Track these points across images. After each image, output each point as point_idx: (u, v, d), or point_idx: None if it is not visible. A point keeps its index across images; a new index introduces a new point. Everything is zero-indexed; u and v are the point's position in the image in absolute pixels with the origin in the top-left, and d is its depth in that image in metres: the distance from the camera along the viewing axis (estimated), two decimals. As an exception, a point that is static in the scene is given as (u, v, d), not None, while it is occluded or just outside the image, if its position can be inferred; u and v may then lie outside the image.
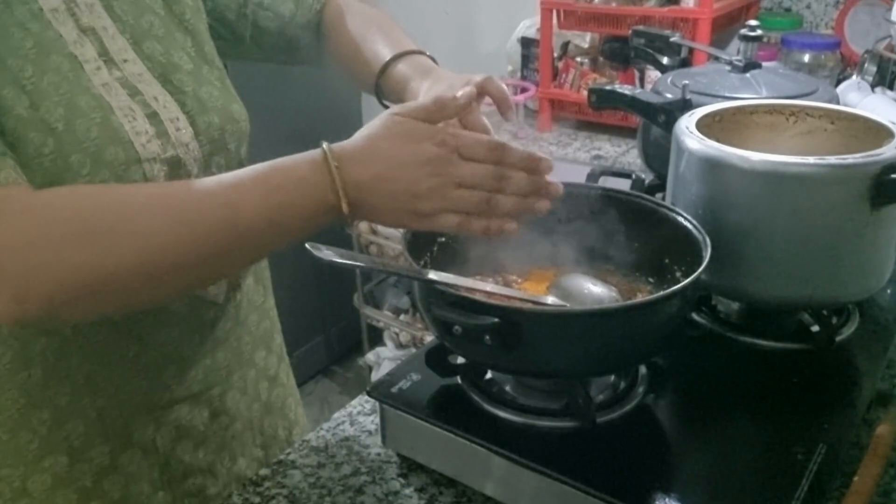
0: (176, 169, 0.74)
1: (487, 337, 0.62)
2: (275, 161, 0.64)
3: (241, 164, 0.82)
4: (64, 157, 0.66)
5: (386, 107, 0.80)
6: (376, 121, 0.66)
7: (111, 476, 0.79)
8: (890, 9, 1.38)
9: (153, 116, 0.73)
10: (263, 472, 0.75)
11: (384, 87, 0.88)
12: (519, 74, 2.24)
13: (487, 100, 0.78)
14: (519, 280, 0.80)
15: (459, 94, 0.69)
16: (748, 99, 0.95)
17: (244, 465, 0.90)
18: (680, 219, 0.75)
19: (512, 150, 0.65)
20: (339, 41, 0.94)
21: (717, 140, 0.77)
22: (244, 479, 0.76)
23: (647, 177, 0.95)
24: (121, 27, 0.74)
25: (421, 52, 0.88)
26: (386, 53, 0.87)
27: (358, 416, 0.81)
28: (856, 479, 0.63)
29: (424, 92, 0.80)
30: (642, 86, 1.93)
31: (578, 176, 0.89)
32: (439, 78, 0.81)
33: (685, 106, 0.93)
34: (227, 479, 0.88)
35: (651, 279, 0.79)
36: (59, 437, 0.76)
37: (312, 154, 0.64)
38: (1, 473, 0.76)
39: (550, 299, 0.72)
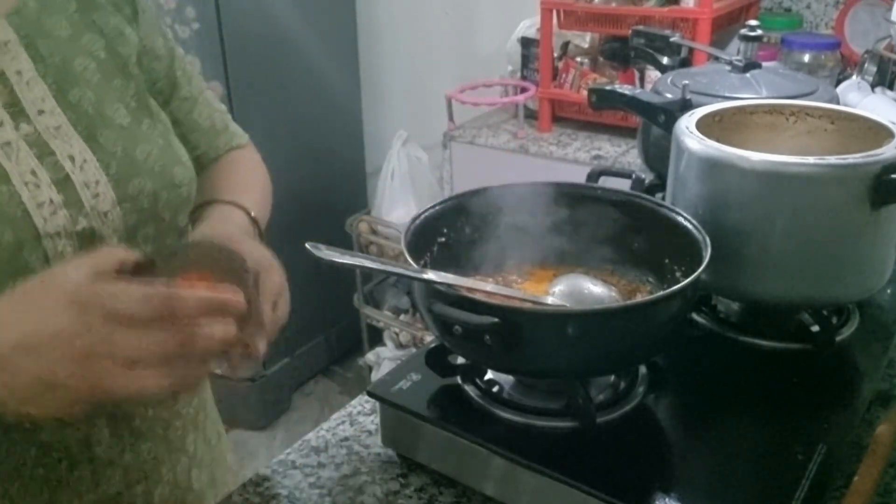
0: (89, 244, 0.65)
1: (487, 337, 0.62)
2: None
3: (179, 234, 0.74)
4: None
5: None
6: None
7: None
8: (890, 9, 1.38)
9: (63, 182, 0.63)
10: (263, 472, 0.75)
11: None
12: (519, 74, 2.24)
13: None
14: (519, 280, 0.80)
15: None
16: (748, 99, 0.94)
17: None
18: (680, 219, 0.75)
19: (183, 297, 0.51)
20: (209, 171, 0.86)
21: (717, 140, 0.77)
22: None
23: (647, 177, 0.95)
24: (42, 70, 0.65)
25: (241, 208, 0.78)
26: (214, 194, 0.80)
27: (358, 416, 0.81)
28: (856, 479, 0.63)
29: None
30: (642, 86, 1.93)
31: (578, 176, 0.89)
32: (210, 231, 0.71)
33: (685, 106, 0.93)
34: None
35: (651, 279, 0.79)
36: None
37: None
38: None
39: (550, 299, 0.72)
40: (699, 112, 0.84)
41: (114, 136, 0.67)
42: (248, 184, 0.85)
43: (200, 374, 0.55)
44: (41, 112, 0.64)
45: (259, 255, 0.66)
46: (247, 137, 0.93)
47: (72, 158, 0.64)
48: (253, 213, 0.79)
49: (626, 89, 1.02)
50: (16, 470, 0.66)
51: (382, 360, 2.55)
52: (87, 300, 0.49)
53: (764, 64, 1.10)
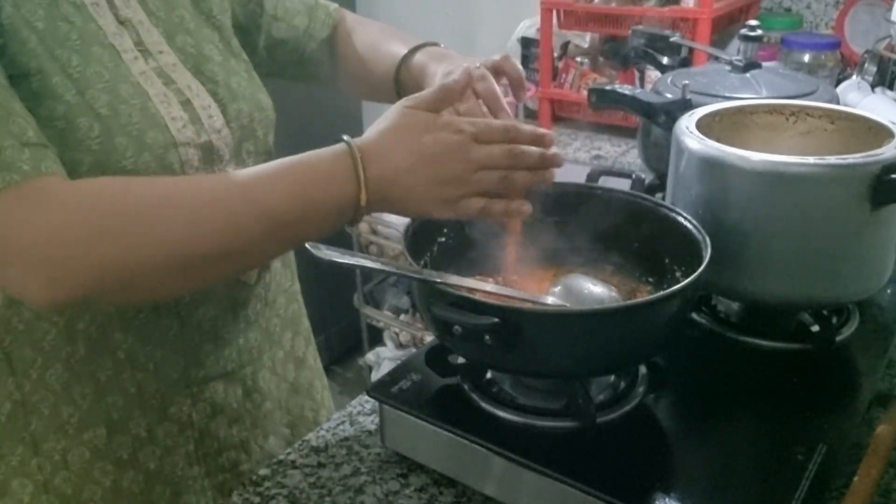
0: (209, 153, 0.77)
1: (487, 337, 0.62)
2: (301, 156, 0.67)
3: (268, 151, 0.87)
4: (110, 140, 0.70)
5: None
6: (390, 114, 0.69)
7: (147, 448, 0.82)
8: (890, 9, 1.38)
9: (186, 104, 0.76)
10: (263, 471, 0.75)
11: (403, 80, 0.91)
12: (519, 74, 2.24)
13: (504, 80, 0.81)
14: (519, 280, 0.80)
15: (456, 77, 0.72)
16: (748, 99, 0.95)
17: (273, 443, 0.92)
18: (680, 219, 0.75)
19: (522, 128, 0.69)
20: (354, 48, 0.98)
21: (717, 140, 0.77)
22: (274, 457, 0.78)
23: (647, 177, 0.95)
24: (154, 21, 0.78)
25: (435, 44, 0.91)
26: (402, 49, 0.91)
27: (358, 416, 0.81)
28: (856, 479, 0.63)
29: (441, 76, 0.82)
30: (642, 86, 1.93)
31: (578, 176, 0.89)
32: (453, 62, 0.84)
33: (685, 106, 0.93)
34: (259, 455, 0.90)
35: (651, 279, 0.79)
36: (99, 411, 0.78)
37: (335, 149, 0.67)
38: (42, 447, 0.78)
39: (550, 299, 0.72)
40: (699, 112, 0.84)
41: (214, 70, 0.80)
42: (396, 32, 0.98)
43: (519, 201, 0.70)
44: (160, 52, 0.77)
45: (474, 62, 0.80)
46: (335, 4, 1.03)
47: (189, 87, 0.77)
48: (442, 44, 0.92)
49: (626, 89, 1.02)
50: (161, 336, 0.79)
51: (382, 360, 2.55)
52: (460, 126, 0.67)
53: (764, 64, 1.10)
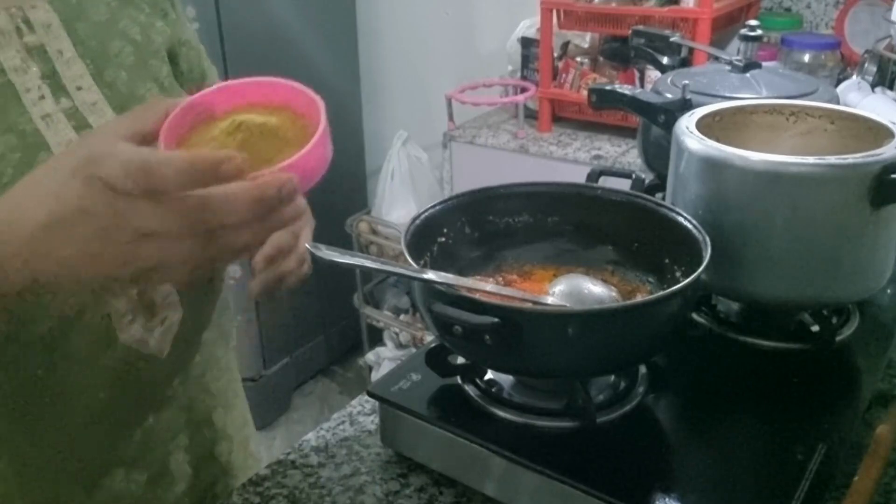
0: None
1: (487, 337, 0.62)
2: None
3: None
4: None
5: None
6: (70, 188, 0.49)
7: None
8: (890, 9, 1.38)
9: None
10: (263, 472, 0.75)
11: None
12: (519, 74, 2.24)
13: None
14: (519, 280, 0.80)
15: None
16: (748, 99, 0.94)
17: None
18: (680, 219, 0.74)
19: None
20: None
21: (717, 140, 0.77)
22: None
23: (647, 177, 0.95)
24: (81, 51, 0.69)
25: None
26: None
27: (358, 416, 0.81)
28: (856, 479, 0.63)
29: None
30: (642, 86, 1.93)
31: (578, 176, 0.89)
32: None
33: (685, 106, 0.93)
34: None
35: (651, 279, 0.79)
36: None
37: None
38: None
39: (550, 299, 0.72)
40: (699, 112, 0.84)
41: None
42: None
43: (218, 256, 0.51)
44: (79, 88, 0.68)
45: None
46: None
47: None
48: None
49: (626, 89, 1.02)
50: (37, 419, 0.69)
51: (382, 360, 2.55)
52: (92, 171, 0.47)
53: (764, 64, 1.10)
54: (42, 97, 0.65)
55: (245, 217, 0.48)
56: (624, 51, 1.96)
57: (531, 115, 2.16)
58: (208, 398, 0.84)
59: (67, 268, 0.50)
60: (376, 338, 2.63)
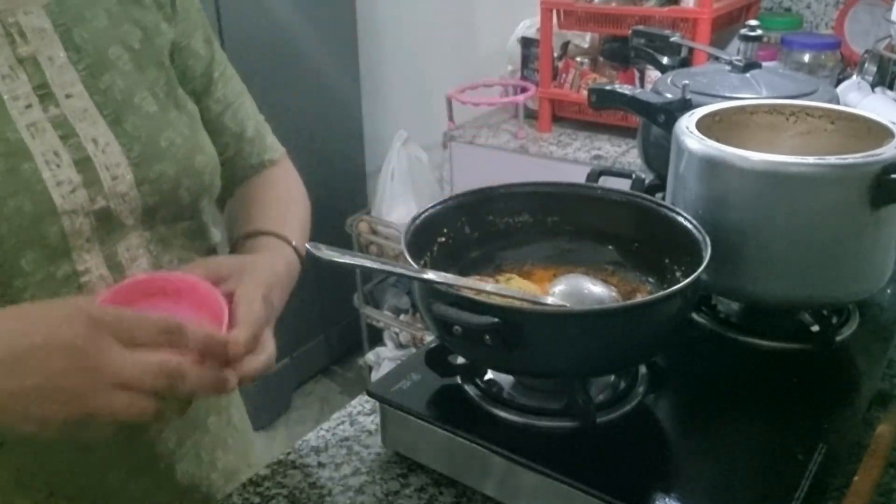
0: (106, 222, 0.68)
1: (487, 337, 0.62)
2: None
3: (194, 216, 0.78)
4: None
5: None
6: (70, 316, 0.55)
7: None
8: (890, 9, 1.38)
9: (84, 163, 0.67)
10: (263, 472, 0.75)
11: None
12: (519, 74, 2.24)
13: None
14: (519, 280, 0.80)
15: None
16: (748, 99, 0.94)
17: None
18: (680, 219, 0.74)
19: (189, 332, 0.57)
20: (247, 192, 0.88)
21: (717, 140, 0.77)
22: None
23: (647, 177, 0.95)
24: (75, 57, 0.68)
25: (276, 235, 0.79)
26: (258, 223, 0.81)
27: (358, 416, 0.81)
28: (856, 479, 0.63)
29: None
30: (642, 86, 1.93)
31: (578, 176, 0.89)
32: (244, 275, 0.69)
33: (685, 106, 0.93)
34: None
35: (651, 279, 0.79)
36: None
37: None
38: None
39: (550, 299, 0.72)
40: (699, 112, 0.84)
41: (139, 122, 0.71)
42: (291, 212, 0.86)
43: (184, 407, 0.60)
44: (69, 96, 0.67)
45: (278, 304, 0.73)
46: (281, 152, 0.93)
47: (95, 141, 0.68)
48: (294, 243, 0.80)
49: (626, 89, 1.02)
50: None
51: (382, 360, 2.55)
52: (101, 318, 0.55)
53: (764, 64, 1.10)
54: (29, 106, 0.65)
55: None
56: (624, 51, 1.96)
57: (531, 115, 2.16)
58: (203, 403, 0.84)
59: (20, 398, 0.53)
60: (376, 338, 2.63)
